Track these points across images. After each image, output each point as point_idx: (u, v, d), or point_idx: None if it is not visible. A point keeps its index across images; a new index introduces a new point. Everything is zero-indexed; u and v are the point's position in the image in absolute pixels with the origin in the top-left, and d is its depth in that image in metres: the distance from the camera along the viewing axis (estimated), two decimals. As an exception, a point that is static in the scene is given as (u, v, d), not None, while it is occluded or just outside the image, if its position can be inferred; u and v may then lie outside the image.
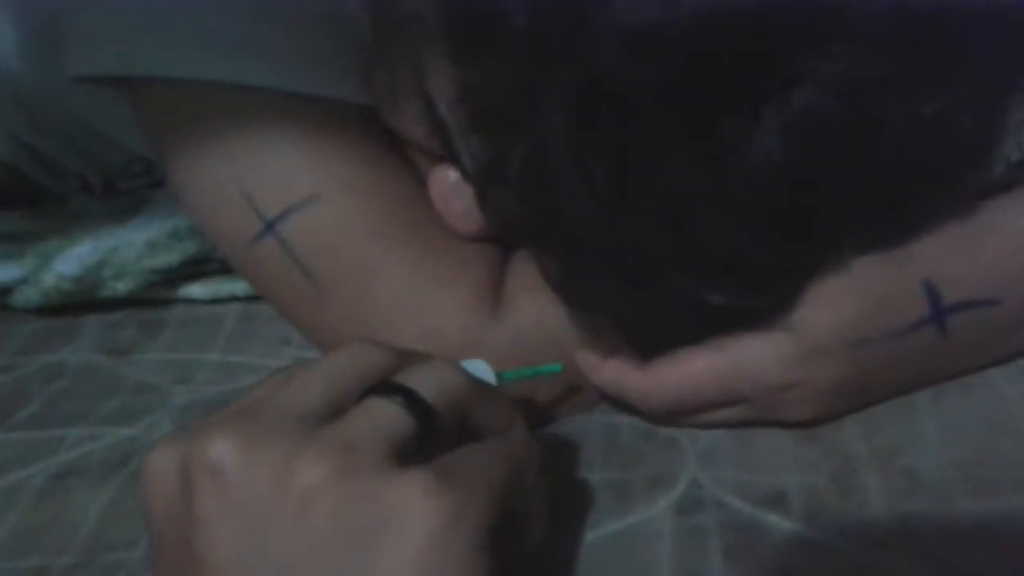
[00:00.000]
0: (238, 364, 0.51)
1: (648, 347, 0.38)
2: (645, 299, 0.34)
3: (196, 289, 0.54)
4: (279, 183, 0.42)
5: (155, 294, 0.55)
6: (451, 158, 0.40)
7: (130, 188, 0.60)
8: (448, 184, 0.42)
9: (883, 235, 0.36)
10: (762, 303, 0.35)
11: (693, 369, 0.37)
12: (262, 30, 0.41)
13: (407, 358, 0.34)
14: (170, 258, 0.53)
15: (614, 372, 0.39)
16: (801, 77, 0.30)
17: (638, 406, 0.40)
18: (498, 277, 0.43)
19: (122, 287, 0.53)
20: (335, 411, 0.31)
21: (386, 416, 0.31)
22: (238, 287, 0.54)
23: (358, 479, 0.29)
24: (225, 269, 0.54)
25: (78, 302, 0.55)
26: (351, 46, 0.43)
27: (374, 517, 0.28)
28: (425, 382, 0.32)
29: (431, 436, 0.31)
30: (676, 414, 0.39)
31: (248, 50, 0.41)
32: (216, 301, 0.55)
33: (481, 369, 0.37)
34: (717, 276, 0.33)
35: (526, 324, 0.41)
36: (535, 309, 0.41)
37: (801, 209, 0.32)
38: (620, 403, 0.41)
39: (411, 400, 0.31)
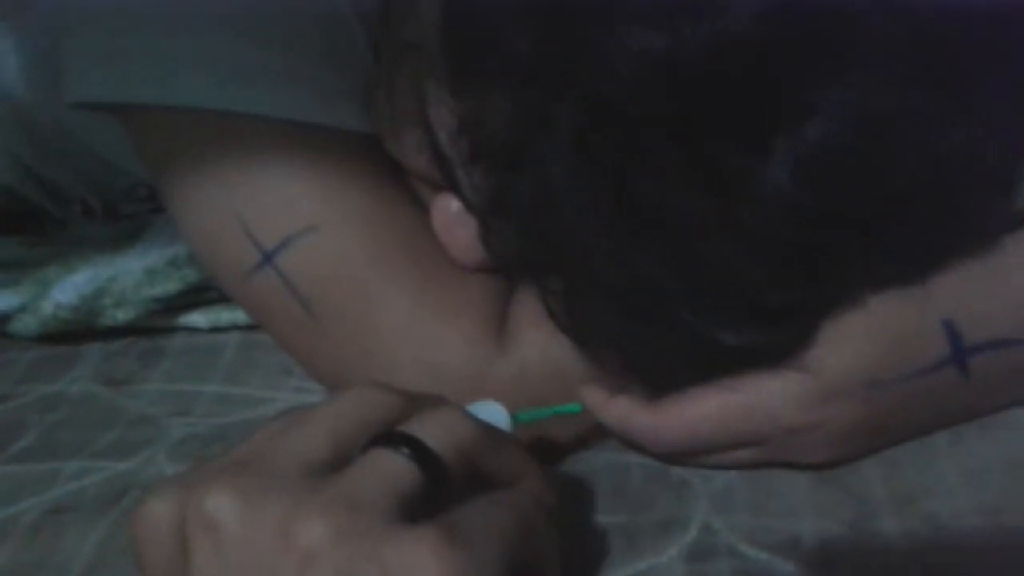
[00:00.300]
0: (237, 396, 0.49)
1: (657, 384, 0.37)
2: (653, 336, 0.33)
3: (197, 318, 0.53)
4: (277, 213, 0.41)
5: (156, 322, 0.53)
6: (453, 188, 0.39)
7: (132, 212, 0.59)
8: (451, 214, 0.41)
9: (901, 272, 0.34)
10: (775, 342, 0.34)
11: (704, 409, 0.36)
12: (261, 56, 0.40)
13: (414, 403, 0.32)
14: (169, 286, 0.51)
15: (621, 410, 0.37)
16: (813, 108, 0.29)
17: (646, 446, 0.38)
18: (502, 309, 0.42)
19: (122, 316, 0.52)
20: (338, 462, 0.30)
21: (392, 470, 0.29)
22: (239, 315, 0.52)
23: (362, 539, 0.27)
24: (226, 297, 0.52)
25: (78, 330, 0.53)
26: (352, 73, 0.42)
27: None
28: (433, 432, 0.30)
29: (439, 488, 0.29)
30: (686, 455, 0.38)
31: (246, 77, 0.40)
32: (217, 330, 0.53)
33: (495, 411, 0.36)
34: (727, 314, 0.32)
35: (531, 358, 0.40)
36: (541, 342, 0.40)
37: (813, 245, 0.31)
38: (629, 441, 0.40)
39: (418, 451, 0.29)
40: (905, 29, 0.29)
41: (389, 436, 0.30)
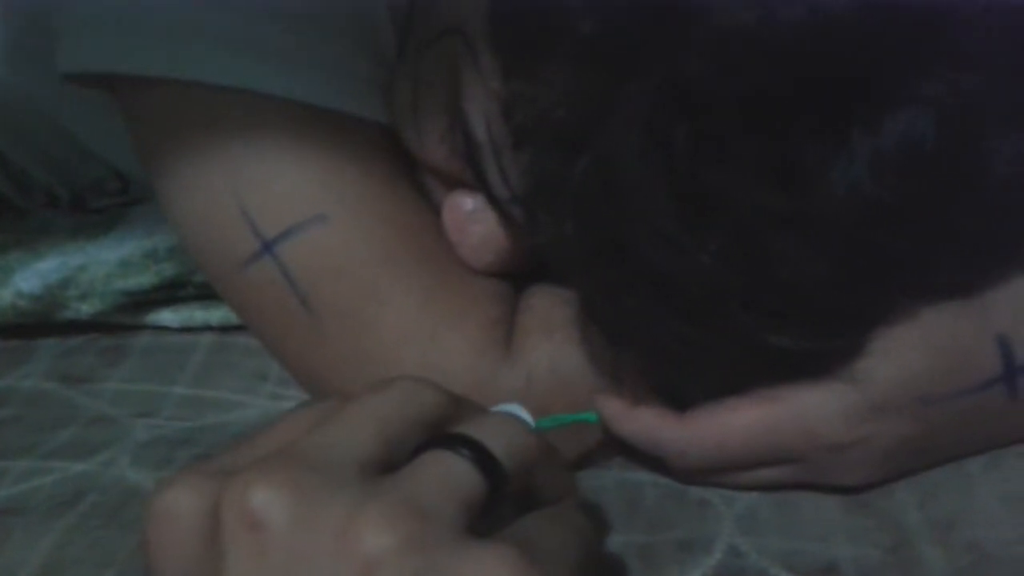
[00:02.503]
0: (207, 399, 0.44)
1: (686, 395, 0.33)
2: (701, 337, 0.29)
3: (167, 316, 0.47)
4: (282, 200, 0.37)
5: (121, 319, 0.48)
6: (478, 182, 0.35)
7: (100, 207, 0.53)
8: (464, 212, 0.38)
9: (961, 282, 0.32)
10: (826, 349, 0.31)
11: (741, 421, 0.32)
12: (276, 34, 0.36)
13: (461, 404, 0.28)
14: (143, 280, 0.46)
15: (646, 421, 0.33)
16: (900, 99, 0.26)
17: (672, 461, 0.34)
18: (510, 315, 0.38)
19: (86, 309, 0.46)
20: (388, 462, 0.25)
21: (457, 474, 0.25)
22: (214, 316, 0.47)
23: (433, 550, 0.23)
24: (201, 295, 0.47)
25: (34, 323, 0.47)
26: (372, 60, 0.38)
27: None
28: (494, 436, 0.26)
29: (498, 500, 0.25)
30: (712, 471, 0.34)
31: (260, 54, 0.36)
32: (187, 329, 0.48)
33: (517, 414, 0.32)
34: (784, 315, 0.29)
35: (539, 367, 0.36)
36: (549, 351, 0.36)
37: (886, 247, 0.28)
38: (641, 457, 0.36)
39: (481, 456, 0.25)
40: (1004, 25, 0.27)
41: (448, 437, 0.26)
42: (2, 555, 0.35)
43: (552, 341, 0.36)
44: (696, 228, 0.28)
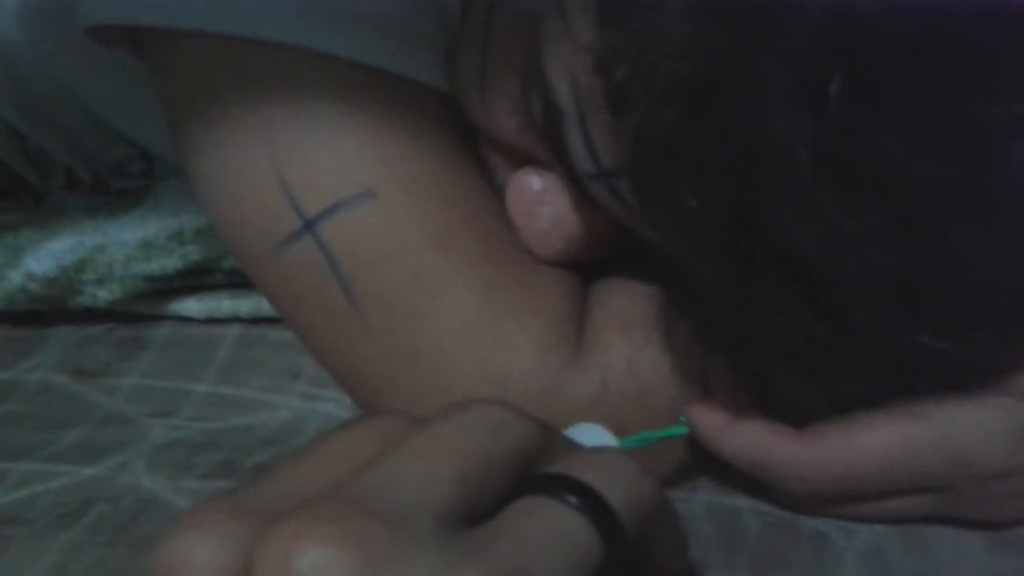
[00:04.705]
0: (233, 398, 0.38)
1: (800, 408, 0.27)
2: (838, 337, 0.23)
3: (192, 304, 0.41)
4: (328, 172, 0.31)
5: (141, 307, 0.42)
6: (556, 155, 0.29)
7: (123, 188, 0.47)
8: (532, 193, 0.32)
9: None
10: (998, 358, 0.24)
11: (878, 442, 0.26)
12: None
13: (550, 434, 0.21)
14: (167, 264, 0.40)
15: (757, 438, 0.27)
16: None
17: (787, 486, 0.28)
18: (581, 311, 0.32)
19: (103, 295, 0.40)
20: (469, 513, 0.18)
21: (567, 530, 0.18)
22: (243, 306, 0.41)
23: None
24: (229, 284, 0.41)
25: (46, 309, 0.42)
26: (431, 19, 0.32)
27: None
28: (604, 478, 0.19)
29: (610, 568, 0.18)
30: (835, 500, 0.28)
31: (303, 5, 0.30)
32: (213, 320, 0.42)
33: (599, 438, 0.26)
34: (950, 314, 0.23)
35: (615, 370, 0.31)
36: (626, 352, 0.31)
37: None
38: (734, 478, 0.30)
39: (593, 506, 0.18)
40: None
41: (549, 480, 0.19)
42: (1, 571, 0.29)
43: (630, 341, 0.31)
44: (849, 203, 0.22)
